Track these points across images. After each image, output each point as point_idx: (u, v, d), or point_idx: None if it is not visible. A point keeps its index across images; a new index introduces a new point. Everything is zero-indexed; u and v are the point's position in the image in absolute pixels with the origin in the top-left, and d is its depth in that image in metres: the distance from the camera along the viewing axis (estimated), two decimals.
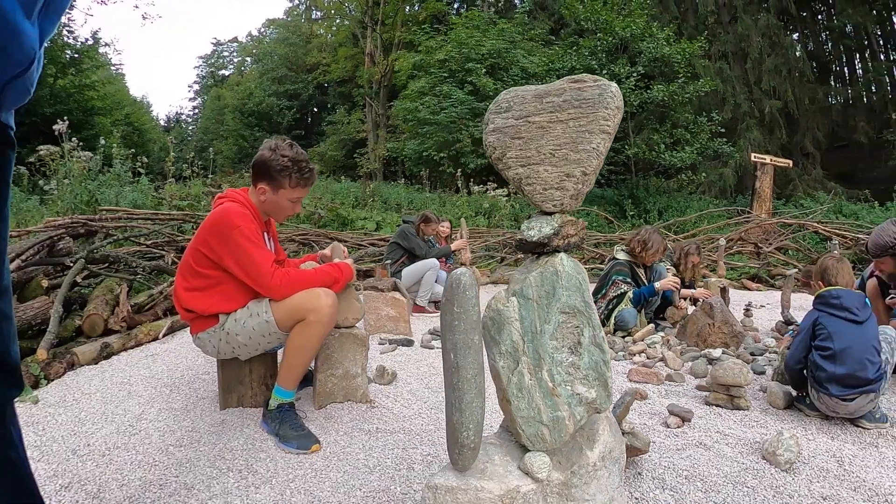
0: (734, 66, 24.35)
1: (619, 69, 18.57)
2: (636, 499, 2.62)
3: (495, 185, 17.28)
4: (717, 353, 5.09)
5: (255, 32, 60.78)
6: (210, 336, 3.31)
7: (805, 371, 3.86)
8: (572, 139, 1.94)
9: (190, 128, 60.14)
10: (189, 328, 3.44)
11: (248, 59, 55.81)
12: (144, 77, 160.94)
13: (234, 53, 59.82)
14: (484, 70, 20.37)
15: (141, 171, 11.38)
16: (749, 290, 10.16)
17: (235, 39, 60.04)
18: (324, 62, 40.42)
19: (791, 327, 6.17)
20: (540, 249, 2.02)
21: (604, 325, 6.10)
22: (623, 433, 2.82)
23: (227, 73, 58.64)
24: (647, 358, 5.15)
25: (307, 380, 3.96)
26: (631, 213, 18.15)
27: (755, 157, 16.68)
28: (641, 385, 4.37)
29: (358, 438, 3.22)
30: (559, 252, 2.04)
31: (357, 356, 3.70)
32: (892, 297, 4.79)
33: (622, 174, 22.22)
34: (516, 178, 1.99)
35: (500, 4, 31.03)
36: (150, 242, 7.66)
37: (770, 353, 5.38)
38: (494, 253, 12.20)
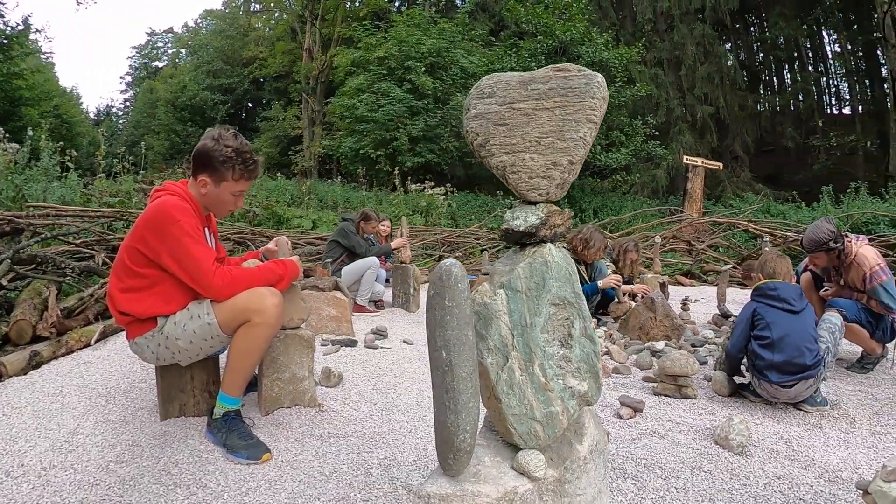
0: (669, 73, 25.13)
1: None
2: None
3: (433, 184, 17.28)
4: (659, 345, 5.25)
5: (191, 23, 59.00)
6: (148, 341, 3.08)
7: (744, 359, 4.11)
8: (559, 127, 1.89)
9: (121, 121, 58.17)
10: (125, 333, 3.24)
11: (184, 50, 54.07)
12: (75, 67, 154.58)
13: (169, 44, 58.04)
14: (423, 69, 20.36)
15: (70, 165, 10.87)
16: (683, 285, 10.46)
17: (171, 30, 58.48)
18: (260, 56, 39.42)
19: (730, 319, 6.48)
20: (526, 240, 1.96)
21: None
22: None
23: (161, 64, 56.94)
24: None
25: (251, 385, 3.74)
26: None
27: (687, 159, 17.14)
28: None
29: (310, 445, 3.10)
30: (546, 242, 1.98)
31: (303, 358, 3.54)
32: (826, 290, 5.15)
33: None
34: (500, 166, 1.91)
35: (441, 4, 30.89)
36: (79, 241, 7.23)
37: (709, 344, 5.67)
38: (432, 251, 12.09)
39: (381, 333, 5.77)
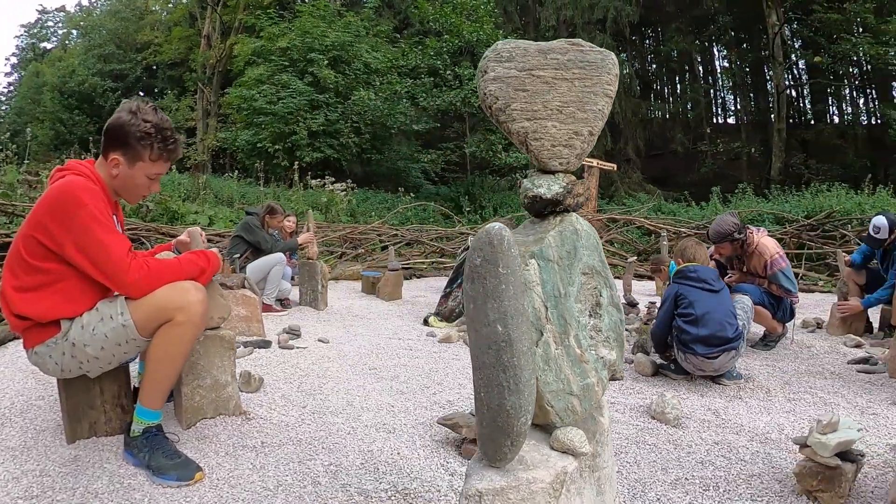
0: None
1: (463, 71, 19.07)
2: None
3: (333, 180, 16.88)
4: None
5: (85, 2, 55.15)
6: (50, 349, 2.60)
7: (669, 338, 4.42)
8: (578, 98, 1.81)
9: (3, 107, 54.05)
10: (21, 341, 2.76)
11: (75, 31, 50.34)
12: None
13: (60, 24, 53.85)
14: (326, 62, 19.88)
15: None
16: None
17: (63, 8, 54.45)
18: (156, 42, 36.93)
19: (635, 307, 6.96)
20: (552, 208, 1.84)
21: (461, 315, 6.28)
22: None
23: (50, 46, 52.96)
24: None
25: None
26: (467, 208, 18.52)
27: (583, 160, 17.50)
28: None
29: (244, 457, 2.80)
30: (569, 211, 1.87)
31: (225, 362, 3.20)
32: (730, 277, 5.59)
33: (458, 172, 22.69)
34: (521, 132, 1.79)
35: None
36: None
37: (629, 331, 5.95)
38: (334, 248, 11.80)
39: (294, 333, 5.50)
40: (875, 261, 6.10)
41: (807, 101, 31.26)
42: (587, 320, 1.85)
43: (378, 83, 20.21)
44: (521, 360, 1.51)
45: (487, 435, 1.57)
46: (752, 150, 28.34)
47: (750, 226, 5.47)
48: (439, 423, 3.06)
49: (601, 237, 13.58)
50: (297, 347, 5.05)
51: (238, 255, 6.76)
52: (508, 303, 1.50)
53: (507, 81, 1.78)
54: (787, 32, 26.13)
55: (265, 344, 5.03)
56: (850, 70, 28.48)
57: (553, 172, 1.86)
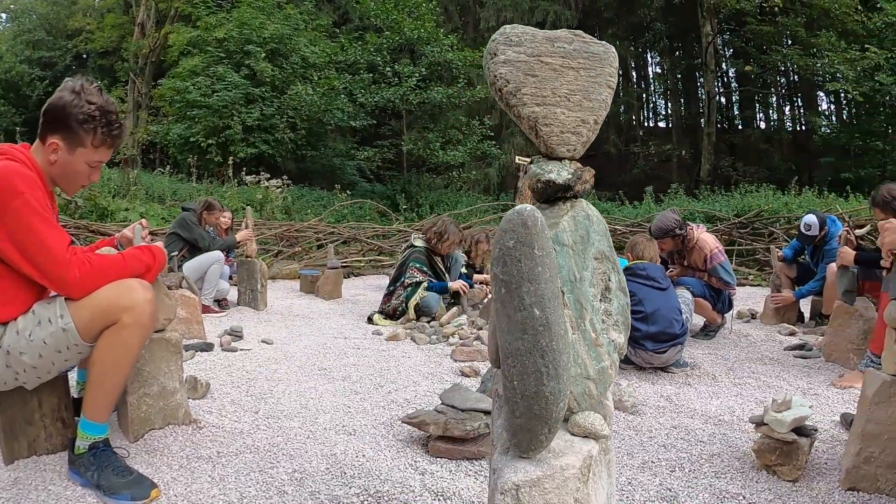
0: None
1: (403, 68, 18.92)
2: None
3: (268, 176, 16.51)
4: None
5: None
6: None
7: None
8: (584, 87, 1.83)
9: None
10: None
11: (4, 15, 47.55)
12: None
13: None
14: (264, 55, 19.36)
15: None
16: None
17: None
18: (88, 28, 34.84)
19: None
20: (563, 193, 1.83)
21: (404, 312, 6.30)
22: None
23: None
24: (462, 339, 5.41)
25: None
26: (404, 206, 18.39)
27: (519, 159, 17.51)
28: (468, 363, 4.60)
29: (201, 470, 2.62)
30: (578, 197, 1.87)
31: (172, 367, 2.99)
32: (671, 271, 5.87)
33: (393, 170, 22.60)
34: (532, 117, 1.77)
35: None
36: None
37: None
38: (271, 247, 11.55)
39: (236, 334, 5.32)
40: (805, 256, 6.63)
41: (735, 108, 32.65)
42: (599, 304, 1.85)
43: (316, 78, 19.88)
44: (560, 344, 1.49)
45: (522, 425, 1.52)
46: (683, 152, 29.41)
47: (689, 222, 5.79)
48: (404, 423, 2.98)
49: None
50: (241, 349, 4.89)
51: (175, 253, 6.50)
52: (545, 285, 1.47)
53: (517, 65, 1.77)
54: (719, 42, 27.12)
55: (207, 347, 4.85)
56: (778, 79, 30.06)
57: (560, 159, 1.85)
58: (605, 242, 1.87)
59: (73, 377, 3.02)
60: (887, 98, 20.64)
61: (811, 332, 6.03)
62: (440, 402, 3.00)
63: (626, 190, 20.20)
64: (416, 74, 18.78)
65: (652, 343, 4.30)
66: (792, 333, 5.92)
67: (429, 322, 6.17)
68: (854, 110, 24.93)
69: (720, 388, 4.15)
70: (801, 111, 29.65)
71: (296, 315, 6.67)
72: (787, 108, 32.26)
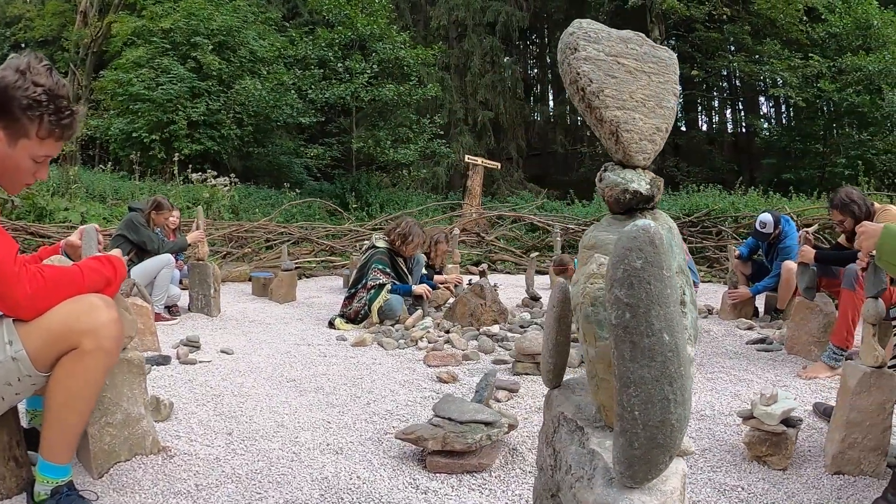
0: (454, 78, 26.62)
1: (355, 64, 18.70)
2: (528, 472, 2.70)
3: (215, 174, 16.00)
4: (494, 329, 5.70)
5: None
6: None
7: None
8: (656, 93, 1.69)
9: None
10: None
11: None
12: None
13: None
14: (211, 47, 18.69)
15: None
16: (472, 273, 10.72)
17: None
18: (27, 16, 33.40)
19: (538, 301, 7.25)
20: (644, 204, 1.71)
21: (367, 316, 6.12)
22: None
23: None
24: (430, 342, 5.27)
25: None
26: (354, 206, 18.15)
27: (469, 158, 17.80)
28: (443, 368, 4.48)
29: None
30: (655, 208, 1.74)
31: (136, 391, 2.63)
32: None
33: (342, 169, 22.33)
34: (613, 121, 1.62)
35: None
36: None
37: (535, 323, 6.15)
38: (219, 248, 11.14)
39: (193, 344, 4.97)
40: (760, 253, 6.82)
41: (679, 110, 32.97)
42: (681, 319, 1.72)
43: (264, 72, 19.42)
44: (687, 369, 1.38)
45: (640, 456, 1.38)
46: None
47: None
48: (399, 439, 2.78)
49: (489, 234, 13.85)
50: (200, 361, 4.56)
51: (124, 258, 6.14)
52: (672, 308, 1.34)
53: (598, 64, 1.61)
54: (666, 47, 27.56)
55: (164, 360, 4.51)
56: (721, 84, 31.03)
57: (635, 167, 1.71)
58: (682, 256, 1.75)
59: (21, 403, 2.62)
60: (826, 104, 21.55)
61: (768, 326, 6.25)
62: (433, 413, 2.80)
63: (573, 189, 20.52)
64: (368, 71, 18.61)
65: None
66: (750, 328, 6.10)
67: (393, 325, 5.99)
68: (793, 114, 25.67)
69: (694, 384, 4.11)
70: (743, 114, 30.67)
71: (252, 321, 6.38)
72: (729, 112, 33.33)
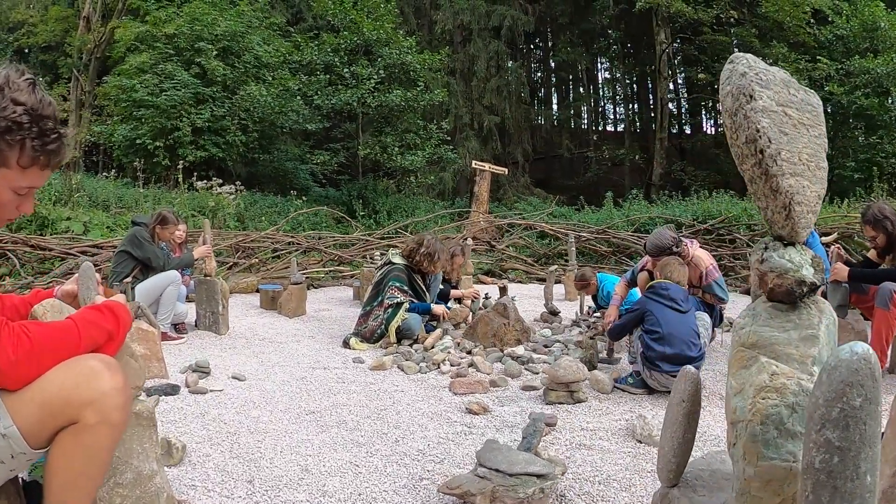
0: (460, 82, 26.51)
1: (361, 70, 18.54)
2: None
3: (220, 181, 15.72)
4: (519, 351, 5.46)
5: None
6: None
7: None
8: (814, 151, 1.43)
9: None
10: None
11: None
12: None
13: None
14: (215, 52, 18.42)
15: None
16: (484, 283, 10.52)
17: None
18: (31, 21, 32.71)
19: (557, 316, 7.00)
20: (812, 292, 1.47)
21: (383, 335, 5.88)
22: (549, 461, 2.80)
23: None
24: (453, 365, 5.04)
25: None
26: (361, 213, 17.95)
27: (476, 163, 17.60)
28: (470, 395, 4.27)
29: None
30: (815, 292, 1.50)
31: (147, 445, 2.30)
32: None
33: (347, 175, 22.11)
34: (788, 191, 1.36)
35: None
36: None
37: (559, 342, 5.88)
38: (225, 258, 10.82)
39: (202, 370, 4.67)
40: None
41: (685, 113, 33.28)
42: None
43: (269, 78, 19.16)
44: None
45: None
46: (636, 156, 30.07)
47: (683, 238, 5.66)
48: (442, 493, 2.51)
49: (499, 241, 13.53)
50: (212, 391, 4.28)
51: (126, 275, 5.80)
52: (878, 445, 1.15)
53: (773, 118, 1.34)
54: (672, 50, 27.70)
55: (172, 389, 4.21)
56: None
57: (794, 244, 1.47)
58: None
59: None
60: (831, 107, 21.23)
61: None
62: (477, 462, 2.55)
63: (578, 193, 20.46)
64: (374, 77, 18.43)
65: (667, 364, 4.21)
66: None
67: (411, 346, 5.71)
68: None
69: None
70: None
71: (262, 338, 6.13)
72: None
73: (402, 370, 4.95)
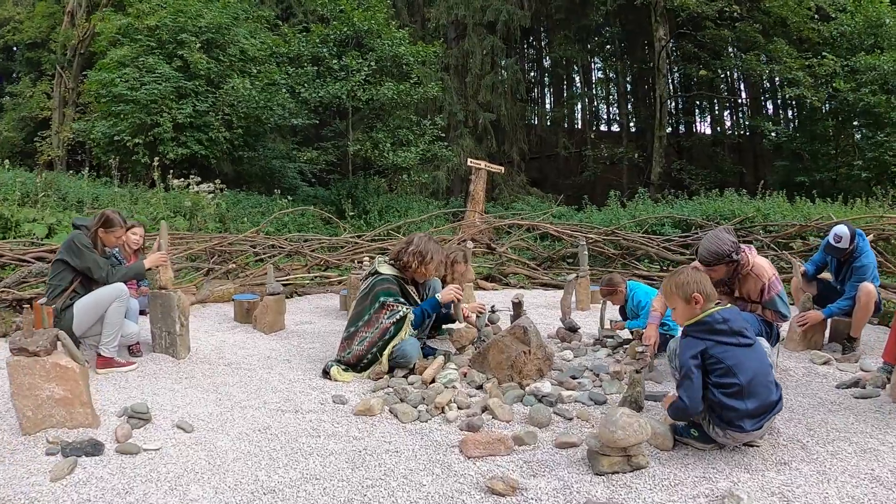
0: (454, 78, 26.31)
1: (351, 61, 17.88)
2: None
3: (198, 180, 14.83)
4: (545, 388, 4.33)
5: None
6: None
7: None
8: None
9: None
10: None
11: None
12: None
13: None
14: (199, 45, 17.58)
15: None
16: (484, 289, 9.84)
17: None
18: (17, 18, 31.65)
19: (577, 333, 6.19)
20: None
21: (372, 363, 4.94)
22: None
23: None
24: (461, 409, 4.07)
25: None
26: (351, 213, 17.27)
27: (471, 161, 16.94)
28: (491, 462, 3.29)
29: None
30: None
31: None
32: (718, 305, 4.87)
33: (337, 173, 21.38)
34: None
35: None
36: None
37: (589, 371, 4.99)
38: (200, 264, 9.91)
39: (139, 416, 3.79)
40: (828, 272, 6.06)
41: (682, 112, 33.06)
42: None
43: (255, 72, 18.38)
44: None
45: None
46: (636, 155, 29.69)
47: (741, 244, 4.69)
48: None
49: (498, 243, 12.72)
50: (145, 449, 3.42)
51: (64, 289, 4.92)
52: None
53: None
54: (671, 46, 27.45)
55: (94, 449, 3.33)
56: (724, 84, 31.45)
57: None
58: None
59: None
60: (836, 104, 21.10)
61: (845, 359, 5.34)
62: None
63: (575, 193, 20.41)
64: (365, 69, 17.76)
65: (752, 422, 3.24)
66: (827, 362, 5.26)
67: (406, 377, 4.75)
68: (802, 115, 25.34)
69: (820, 463, 3.29)
70: (748, 115, 30.58)
71: (227, 363, 5.28)
72: (728, 113, 33.31)
73: (396, 416, 4.01)
